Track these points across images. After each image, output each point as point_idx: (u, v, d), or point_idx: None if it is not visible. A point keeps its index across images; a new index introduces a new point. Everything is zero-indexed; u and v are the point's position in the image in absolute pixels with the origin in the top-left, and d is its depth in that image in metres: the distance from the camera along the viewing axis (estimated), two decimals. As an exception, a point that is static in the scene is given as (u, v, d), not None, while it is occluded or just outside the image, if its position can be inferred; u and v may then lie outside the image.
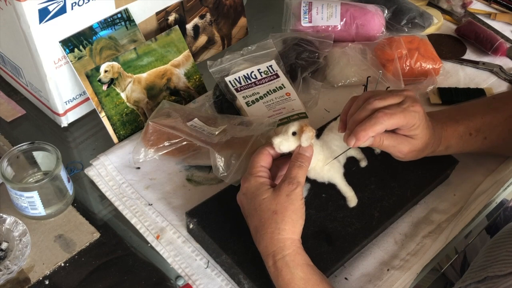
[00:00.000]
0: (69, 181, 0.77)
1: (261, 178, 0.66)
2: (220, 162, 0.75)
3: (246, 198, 0.66)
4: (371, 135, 0.65)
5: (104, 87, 0.83)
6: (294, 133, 0.67)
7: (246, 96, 0.88)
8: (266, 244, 0.62)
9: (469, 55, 1.07)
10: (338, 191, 0.73)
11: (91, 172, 0.81)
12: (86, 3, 0.79)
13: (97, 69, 0.82)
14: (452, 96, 0.95)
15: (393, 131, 0.69)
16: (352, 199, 0.73)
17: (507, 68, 1.04)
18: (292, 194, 0.63)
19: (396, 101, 0.67)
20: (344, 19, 1.02)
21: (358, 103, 0.68)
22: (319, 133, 0.74)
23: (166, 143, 0.79)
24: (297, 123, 0.67)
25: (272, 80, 0.90)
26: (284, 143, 0.67)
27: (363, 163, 0.77)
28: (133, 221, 0.76)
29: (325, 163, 0.70)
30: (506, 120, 0.78)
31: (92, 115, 0.90)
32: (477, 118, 0.78)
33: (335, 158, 0.71)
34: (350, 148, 0.71)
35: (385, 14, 1.05)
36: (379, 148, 0.70)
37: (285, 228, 0.62)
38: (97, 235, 0.74)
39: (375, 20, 1.02)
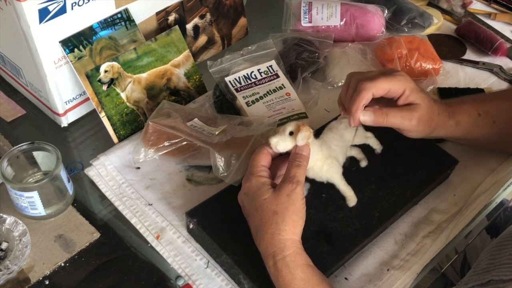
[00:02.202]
0: (69, 181, 0.77)
1: (262, 178, 0.66)
2: (220, 162, 0.75)
3: (247, 198, 0.66)
4: (362, 103, 0.68)
5: (104, 87, 0.83)
6: (291, 133, 0.67)
7: (246, 96, 0.88)
8: (266, 244, 0.62)
9: (469, 55, 1.07)
10: (338, 190, 0.73)
11: (91, 172, 0.81)
12: (86, 3, 0.79)
13: (97, 69, 0.82)
14: (452, 96, 0.95)
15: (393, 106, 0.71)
16: (351, 198, 0.73)
17: (507, 68, 1.04)
18: (292, 194, 0.63)
19: (379, 73, 0.71)
20: (344, 19, 1.02)
21: (345, 85, 0.72)
22: (319, 134, 0.74)
23: (166, 143, 0.79)
24: (294, 123, 0.67)
25: (272, 80, 0.90)
26: (280, 143, 0.66)
27: (363, 163, 0.77)
28: (133, 221, 0.76)
29: (323, 163, 0.70)
30: None
31: (92, 115, 0.90)
32: (484, 101, 0.78)
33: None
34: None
35: (385, 14, 1.05)
36: (388, 125, 0.70)
37: (286, 228, 0.62)
38: (97, 235, 0.74)
39: (375, 20, 1.02)
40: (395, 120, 0.70)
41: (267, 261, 0.62)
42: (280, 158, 0.70)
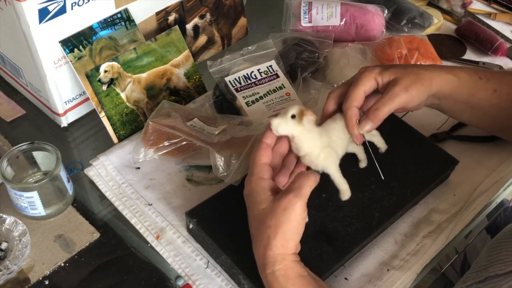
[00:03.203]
0: (69, 181, 0.77)
1: (263, 181, 0.63)
2: (220, 162, 0.75)
3: (248, 200, 0.64)
4: (354, 121, 0.68)
5: (104, 87, 0.83)
6: (293, 116, 0.65)
7: (246, 96, 0.88)
8: (258, 255, 0.61)
9: (469, 55, 1.07)
10: (339, 191, 0.73)
11: (91, 172, 0.81)
12: (86, 3, 0.79)
13: (97, 69, 0.82)
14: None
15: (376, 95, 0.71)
16: (345, 192, 0.71)
17: (507, 68, 1.04)
18: (290, 208, 0.59)
19: (346, 85, 0.71)
20: (344, 19, 1.02)
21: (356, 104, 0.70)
22: None
23: (166, 143, 0.79)
24: (297, 107, 0.66)
25: (272, 80, 0.90)
26: (282, 125, 0.65)
27: (363, 164, 0.76)
28: (133, 221, 0.76)
29: (321, 151, 0.68)
30: None
31: (92, 115, 0.90)
32: (485, 70, 0.77)
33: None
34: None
35: (385, 14, 1.05)
36: (388, 114, 0.69)
37: (277, 244, 0.59)
38: (97, 235, 0.74)
39: (375, 20, 1.02)
40: (388, 106, 0.69)
41: (260, 272, 0.61)
42: (280, 143, 0.67)
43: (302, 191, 0.59)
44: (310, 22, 1.02)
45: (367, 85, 0.70)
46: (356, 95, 0.69)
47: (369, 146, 0.72)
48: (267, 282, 0.60)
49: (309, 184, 0.60)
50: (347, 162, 0.75)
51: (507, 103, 0.76)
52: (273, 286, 0.60)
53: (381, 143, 0.76)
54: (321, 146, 0.68)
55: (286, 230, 0.59)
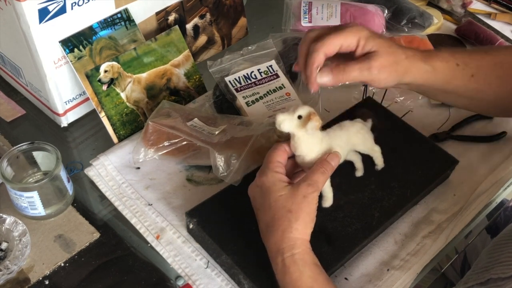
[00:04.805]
0: (69, 181, 0.77)
1: (278, 174, 0.65)
2: (220, 162, 0.75)
3: (260, 192, 0.65)
4: (315, 66, 0.67)
5: (104, 87, 0.83)
6: (299, 117, 0.65)
7: (246, 96, 0.88)
8: (276, 240, 0.62)
9: (469, 55, 1.07)
10: (338, 191, 0.73)
11: (91, 172, 0.81)
12: (86, 3, 0.79)
13: (97, 69, 0.82)
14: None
15: (350, 59, 0.69)
16: (328, 200, 0.71)
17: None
18: (309, 196, 0.63)
19: (330, 29, 0.69)
20: (344, 19, 1.02)
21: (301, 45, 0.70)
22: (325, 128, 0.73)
23: (166, 143, 0.79)
24: (306, 108, 0.66)
25: (272, 80, 0.90)
26: (286, 123, 0.65)
27: (359, 173, 0.76)
28: (133, 221, 0.76)
29: (316, 157, 0.68)
30: (495, 65, 0.75)
31: (92, 115, 0.90)
32: (463, 53, 0.75)
33: None
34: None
35: (385, 14, 1.05)
36: (349, 80, 0.68)
37: (298, 228, 0.62)
38: (97, 235, 0.74)
39: (375, 20, 1.02)
40: (354, 73, 0.67)
41: (275, 257, 0.62)
42: (293, 160, 0.69)
43: (319, 185, 0.64)
44: (310, 22, 1.02)
45: (348, 40, 0.68)
46: (331, 44, 0.67)
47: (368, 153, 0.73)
48: (284, 266, 0.61)
49: (324, 180, 0.65)
50: (347, 162, 0.75)
51: (484, 86, 0.75)
52: (290, 270, 0.60)
53: (379, 160, 0.76)
54: (318, 151, 0.68)
55: (306, 215, 0.62)
